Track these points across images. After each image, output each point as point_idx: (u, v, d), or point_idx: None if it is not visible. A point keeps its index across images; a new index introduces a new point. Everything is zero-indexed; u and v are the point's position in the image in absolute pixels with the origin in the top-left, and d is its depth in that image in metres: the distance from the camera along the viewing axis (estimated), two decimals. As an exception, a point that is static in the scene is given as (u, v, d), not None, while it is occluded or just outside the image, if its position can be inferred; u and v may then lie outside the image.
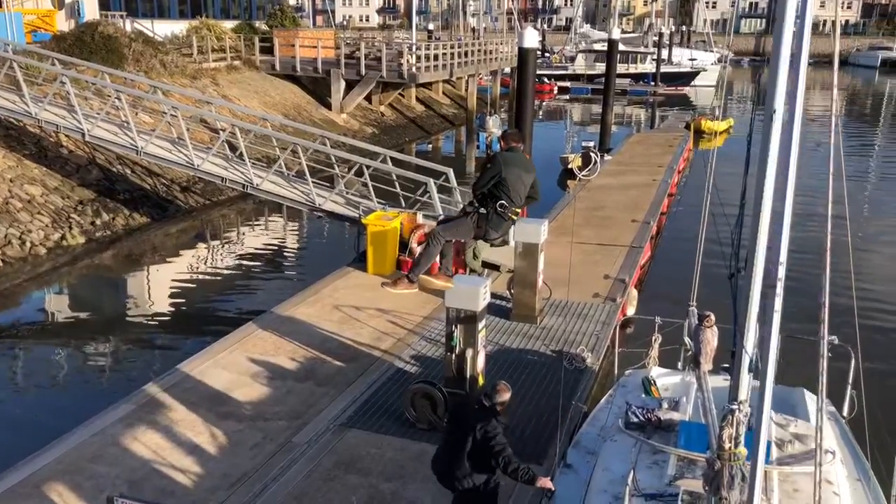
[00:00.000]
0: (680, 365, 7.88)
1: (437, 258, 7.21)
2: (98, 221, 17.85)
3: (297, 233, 20.44)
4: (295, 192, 15.54)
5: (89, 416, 8.11)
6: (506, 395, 5.66)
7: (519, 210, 5.57)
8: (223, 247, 18.77)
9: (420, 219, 13.68)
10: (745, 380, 4.43)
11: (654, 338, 7.88)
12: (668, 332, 7.95)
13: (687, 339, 7.39)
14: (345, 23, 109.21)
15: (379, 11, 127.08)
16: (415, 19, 46.47)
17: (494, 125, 4.65)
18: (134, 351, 12.44)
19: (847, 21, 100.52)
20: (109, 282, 16.29)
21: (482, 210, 5.71)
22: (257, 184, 15.48)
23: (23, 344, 12.73)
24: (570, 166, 23.74)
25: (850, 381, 6.77)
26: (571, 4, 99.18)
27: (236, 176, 15.85)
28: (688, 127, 32.99)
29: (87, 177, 19.24)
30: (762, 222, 3.82)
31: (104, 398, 9.25)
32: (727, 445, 4.35)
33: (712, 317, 6.28)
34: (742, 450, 4.40)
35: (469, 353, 7.68)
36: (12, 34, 24.80)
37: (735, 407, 4.37)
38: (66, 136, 18.41)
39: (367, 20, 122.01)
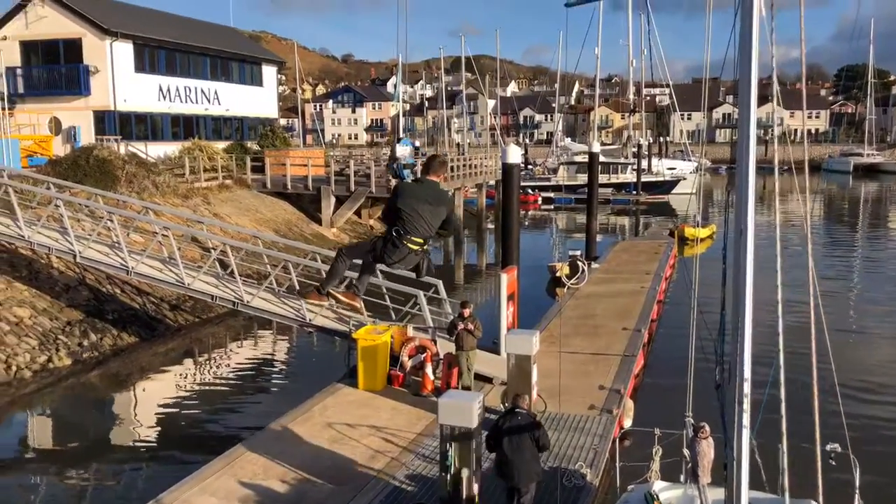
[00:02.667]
0: (682, 478, 7.71)
1: (349, 275, 6.98)
2: (85, 342, 17.66)
3: (286, 348, 20.25)
4: (285, 307, 15.53)
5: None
6: (527, 399, 8.41)
7: (421, 240, 5.47)
8: (212, 365, 18.52)
9: (411, 331, 13.66)
10: (745, 493, 4.33)
11: (654, 450, 7.75)
12: (668, 444, 7.82)
13: (685, 451, 7.28)
14: (334, 141, 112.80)
15: (367, 129, 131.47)
16: (402, 136, 48.09)
17: (402, 151, 4.50)
18: (117, 477, 12.00)
19: (817, 130, 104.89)
20: (94, 404, 15.92)
21: (385, 235, 5.76)
22: (247, 301, 15.49)
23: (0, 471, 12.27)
24: (557, 275, 23.96)
25: (858, 490, 6.61)
26: (551, 120, 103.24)
27: (226, 293, 15.87)
28: (671, 234, 33.61)
29: (76, 297, 19.19)
30: (745, 335, 3.87)
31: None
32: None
33: (707, 428, 6.20)
34: None
35: (465, 472, 7.49)
36: (8, 160, 25.40)
37: None
38: (58, 257, 18.51)
39: (356, 138, 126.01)
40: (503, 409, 8.37)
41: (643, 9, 55.26)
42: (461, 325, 12.16)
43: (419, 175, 5.65)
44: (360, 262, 5.91)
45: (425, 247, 5.58)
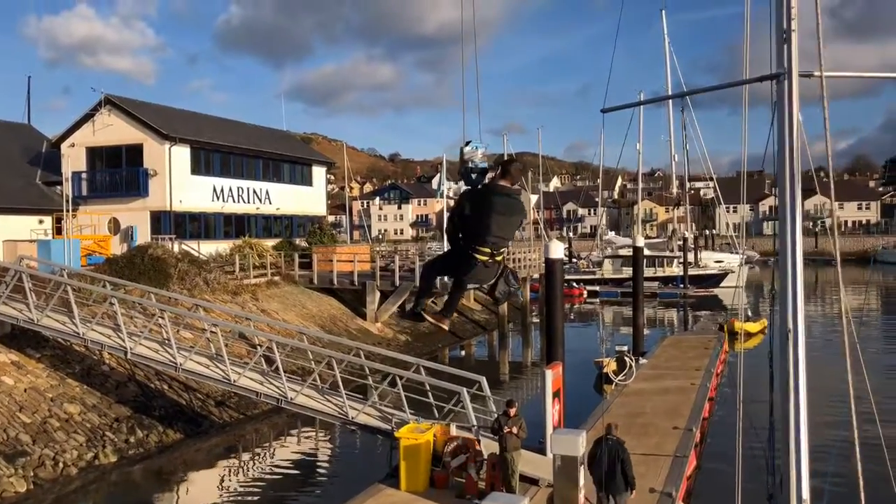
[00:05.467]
0: None
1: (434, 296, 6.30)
2: (132, 439, 17.78)
3: (329, 446, 20.04)
4: (328, 405, 15.50)
5: None
6: (616, 428, 10.90)
7: (489, 249, 4.82)
8: (254, 463, 18.39)
9: (454, 430, 13.44)
10: None
11: None
12: None
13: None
14: (380, 236, 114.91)
15: (412, 225, 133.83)
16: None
17: (471, 154, 3.91)
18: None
19: (868, 221, 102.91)
20: (136, 502, 15.86)
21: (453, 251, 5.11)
22: (291, 398, 15.53)
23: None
24: (605, 370, 23.47)
25: None
26: (594, 213, 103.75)
27: (271, 391, 15.95)
28: (721, 328, 32.79)
29: (125, 393, 19.48)
30: (792, 447, 3.74)
31: None
32: None
33: None
34: None
35: (509, 581, 7.20)
36: (68, 259, 26.46)
37: None
38: (110, 353, 18.93)
39: (402, 233, 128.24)
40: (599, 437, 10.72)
41: (684, 106, 56.18)
42: (506, 429, 11.94)
43: (490, 180, 5.02)
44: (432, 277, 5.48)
45: (498, 258, 4.97)
